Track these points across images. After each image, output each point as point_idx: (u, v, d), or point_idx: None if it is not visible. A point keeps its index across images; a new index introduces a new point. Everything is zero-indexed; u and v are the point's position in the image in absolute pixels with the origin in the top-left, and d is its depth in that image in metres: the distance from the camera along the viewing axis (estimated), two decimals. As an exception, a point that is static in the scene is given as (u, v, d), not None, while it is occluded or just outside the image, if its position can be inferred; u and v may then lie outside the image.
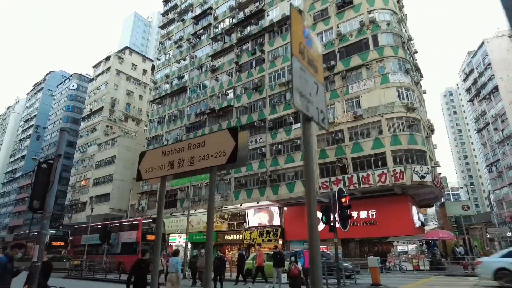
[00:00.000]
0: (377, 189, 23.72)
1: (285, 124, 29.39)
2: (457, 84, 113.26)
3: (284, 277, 11.90)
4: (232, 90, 34.86)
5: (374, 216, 24.45)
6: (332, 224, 10.55)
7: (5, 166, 77.30)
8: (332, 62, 28.07)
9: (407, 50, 28.84)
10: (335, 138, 26.16)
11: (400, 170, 22.85)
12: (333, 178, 25.20)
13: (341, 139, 25.96)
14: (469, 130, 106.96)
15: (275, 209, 29.61)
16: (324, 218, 10.90)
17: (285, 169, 28.21)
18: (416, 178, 22.59)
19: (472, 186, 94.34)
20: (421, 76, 31.50)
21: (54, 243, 32.81)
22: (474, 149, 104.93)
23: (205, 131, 35.52)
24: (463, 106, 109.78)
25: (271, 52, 32.64)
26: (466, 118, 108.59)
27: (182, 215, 33.63)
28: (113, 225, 29.95)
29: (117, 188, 43.19)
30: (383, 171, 23.41)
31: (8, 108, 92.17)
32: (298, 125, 28.42)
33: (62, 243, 34.42)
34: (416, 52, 32.91)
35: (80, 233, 32.21)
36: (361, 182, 23.80)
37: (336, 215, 11.36)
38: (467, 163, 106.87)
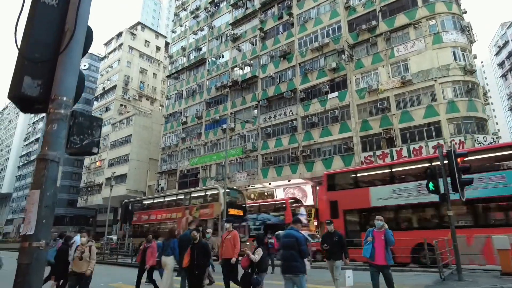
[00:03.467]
0: (431, 163, 20.84)
1: (319, 94, 26.43)
2: (482, 62, 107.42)
3: (349, 277, 6.56)
4: (256, 59, 31.87)
5: (425, 194, 21.64)
6: (445, 192, 7.87)
7: (20, 150, 76.73)
8: (374, 23, 24.74)
9: (460, 7, 25.32)
10: (380, 107, 23.14)
11: (460, 140, 19.88)
12: (378, 152, 22.37)
13: (387, 108, 22.93)
14: (494, 110, 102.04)
15: (307, 188, 27.09)
16: (431, 185, 8.22)
17: (320, 144, 25.45)
18: (479, 149, 19.60)
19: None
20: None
21: (231, 210, 19.05)
22: (499, 130, 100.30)
23: (227, 105, 32.83)
24: (487, 84, 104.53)
25: (301, 15, 29.32)
26: (491, 97, 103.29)
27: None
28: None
29: (133, 168, 41.22)
30: (438, 142, 20.44)
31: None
32: (335, 94, 25.50)
33: (240, 212, 20.51)
34: (466, 12, 29.11)
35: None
36: (412, 155, 20.92)
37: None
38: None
